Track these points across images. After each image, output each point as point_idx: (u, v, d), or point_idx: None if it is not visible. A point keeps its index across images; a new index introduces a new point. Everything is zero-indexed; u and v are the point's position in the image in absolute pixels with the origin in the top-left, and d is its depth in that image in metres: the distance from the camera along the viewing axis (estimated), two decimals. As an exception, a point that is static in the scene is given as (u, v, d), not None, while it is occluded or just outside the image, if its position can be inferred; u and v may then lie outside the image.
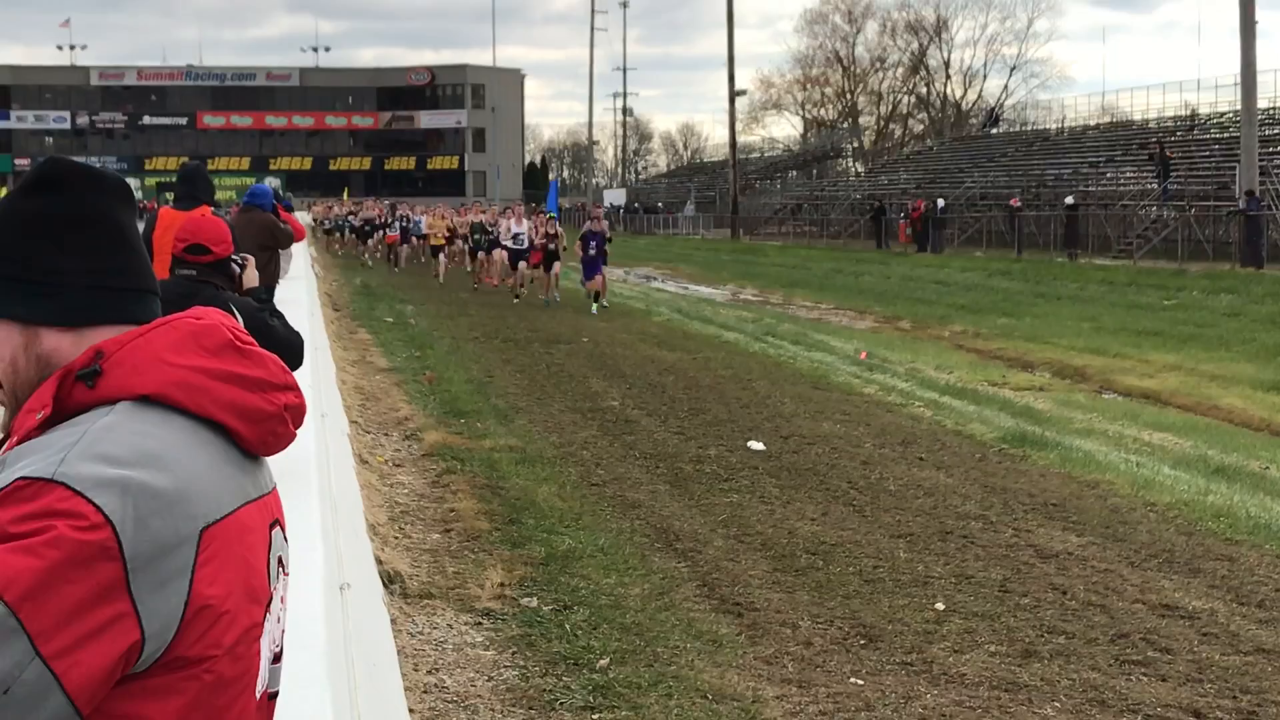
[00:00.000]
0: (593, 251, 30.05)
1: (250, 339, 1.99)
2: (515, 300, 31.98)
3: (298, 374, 6.88)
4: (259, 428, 1.94)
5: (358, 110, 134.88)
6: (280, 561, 1.97)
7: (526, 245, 32.94)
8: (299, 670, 3.62)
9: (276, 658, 1.99)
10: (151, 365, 1.87)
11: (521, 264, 33.06)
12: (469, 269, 39.93)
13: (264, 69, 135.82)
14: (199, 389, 1.88)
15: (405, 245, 46.71)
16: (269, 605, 1.90)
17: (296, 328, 6.74)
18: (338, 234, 58.29)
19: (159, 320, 1.95)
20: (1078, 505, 11.90)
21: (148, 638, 1.71)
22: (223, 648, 1.78)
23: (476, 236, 37.63)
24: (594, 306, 29.78)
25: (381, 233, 49.14)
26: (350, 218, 56.68)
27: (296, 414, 2.00)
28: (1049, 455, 14.33)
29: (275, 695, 2.02)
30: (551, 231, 31.97)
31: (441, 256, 40.10)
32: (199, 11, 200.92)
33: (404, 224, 47.04)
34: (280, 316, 6.47)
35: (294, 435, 2.01)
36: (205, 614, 1.76)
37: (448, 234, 41.46)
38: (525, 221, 33.70)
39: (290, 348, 6.35)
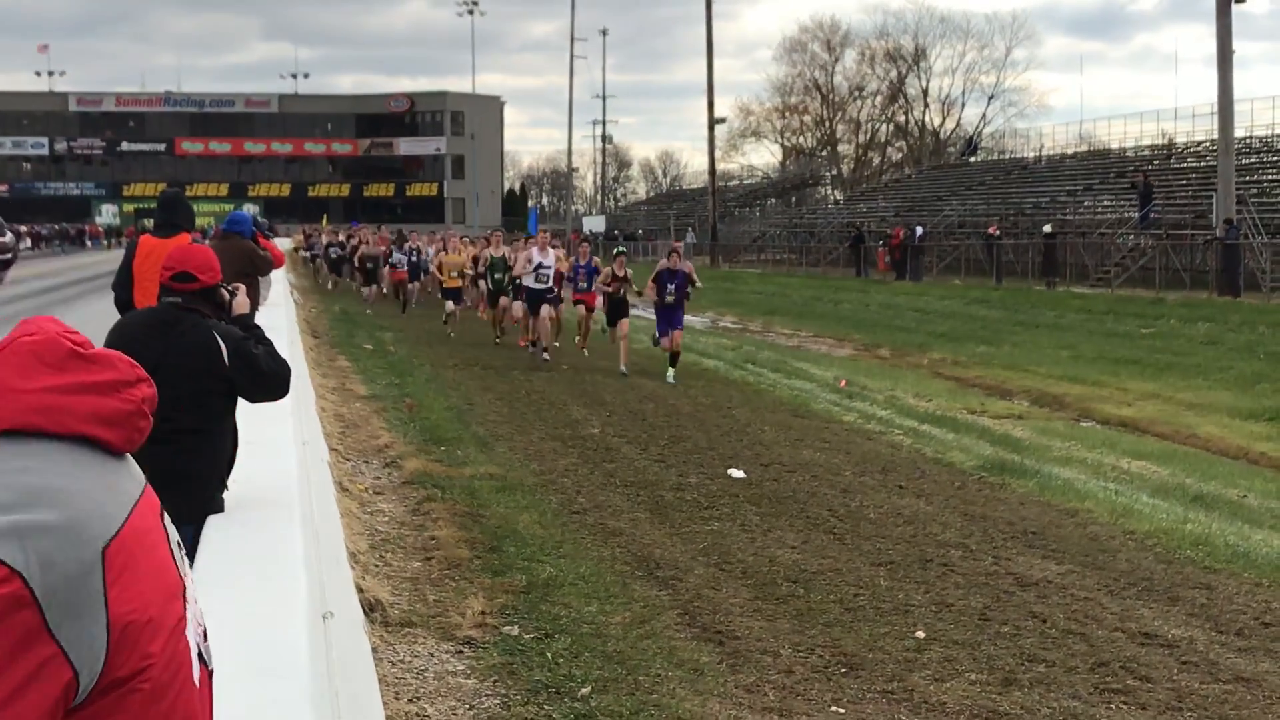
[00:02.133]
0: (670, 298, 22.65)
1: (86, 340, 1.94)
2: (545, 359, 24.43)
3: (279, 403, 6.89)
4: (123, 429, 1.90)
5: (337, 137, 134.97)
6: (179, 544, 1.95)
7: (551, 283, 25.25)
8: (284, 700, 3.62)
9: (205, 635, 1.96)
10: (3, 397, 1.83)
11: (545, 308, 24.85)
12: (488, 317, 31.26)
13: (242, 95, 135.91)
14: (58, 410, 1.84)
15: (415, 283, 39.05)
16: (185, 594, 1.88)
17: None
18: (327, 266, 49.23)
19: None
20: (1057, 533, 11.93)
21: (80, 671, 1.69)
22: (154, 656, 1.77)
23: (498, 275, 28.57)
24: (669, 372, 22.72)
25: (385, 269, 40.61)
26: (334, 248, 48.17)
27: (151, 403, 1.96)
28: (1028, 483, 14.36)
29: (213, 672, 2.00)
30: (621, 274, 24.20)
31: (450, 304, 31.54)
32: (176, 38, 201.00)
33: (413, 258, 38.79)
34: (268, 344, 6.45)
35: (150, 425, 1.96)
36: (130, 631, 1.74)
37: (466, 274, 32.51)
38: (551, 251, 25.79)
39: (275, 377, 6.34)
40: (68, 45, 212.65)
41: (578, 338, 27.32)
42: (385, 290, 40.76)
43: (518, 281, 26.27)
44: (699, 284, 23.54)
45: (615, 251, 25.69)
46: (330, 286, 47.07)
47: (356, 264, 42.27)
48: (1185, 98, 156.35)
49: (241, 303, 6.63)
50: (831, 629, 8.83)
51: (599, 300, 25.80)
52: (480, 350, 26.29)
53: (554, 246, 26.81)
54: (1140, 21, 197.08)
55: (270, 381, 6.33)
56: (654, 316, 23.84)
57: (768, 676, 7.83)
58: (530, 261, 24.99)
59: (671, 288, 22.55)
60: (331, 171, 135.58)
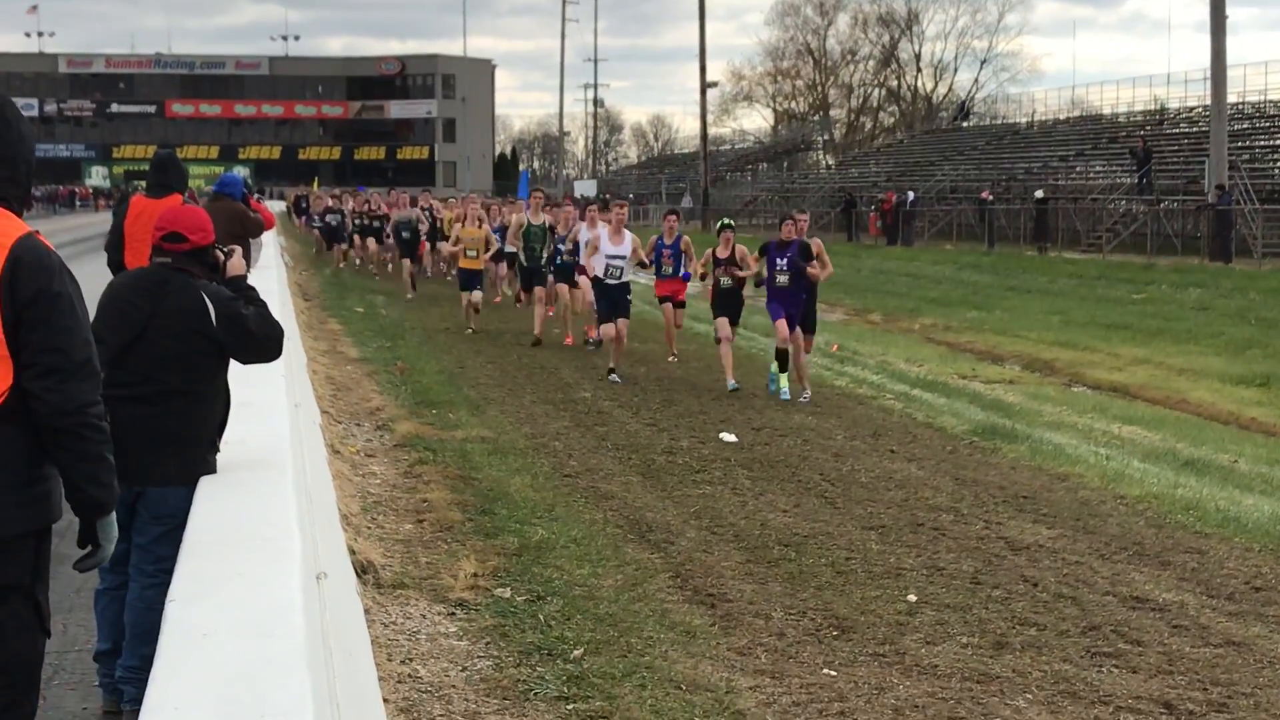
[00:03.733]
0: (783, 276, 16.88)
1: None
2: (613, 378, 17.83)
3: (272, 365, 6.87)
4: None
5: (327, 99, 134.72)
6: None
7: (623, 277, 18.74)
8: (279, 659, 3.62)
9: None
10: None
11: (619, 322, 18.39)
12: (524, 301, 24.38)
13: (233, 58, 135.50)
14: None
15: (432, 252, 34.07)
16: None
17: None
18: (323, 236, 41.82)
19: None
20: (1048, 498, 11.94)
21: None
22: None
23: (535, 247, 22.34)
24: (779, 381, 17.21)
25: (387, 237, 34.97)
26: (332, 215, 40.58)
27: None
28: (1019, 448, 14.38)
29: None
30: (726, 254, 17.76)
31: (471, 295, 23.57)
32: (165, 0, 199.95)
33: (432, 223, 32.62)
34: (261, 305, 6.42)
35: None
36: None
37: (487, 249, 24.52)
38: (627, 237, 18.85)
39: (265, 339, 6.30)
40: (57, 6, 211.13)
41: (671, 354, 20.50)
42: (384, 259, 36.04)
43: (561, 260, 21.60)
44: (824, 266, 17.36)
45: (719, 225, 18.60)
46: (340, 263, 39.02)
47: (388, 232, 34.66)
48: (1177, 63, 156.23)
49: (237, 264, 6.60)
50: (823, 592, 8.85)
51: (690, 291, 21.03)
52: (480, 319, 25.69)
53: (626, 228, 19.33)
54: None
55: (260, 343, 6.30)
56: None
57: (760, 639, 7.85)
58: (593, 247, 18.87)
59: (782, 263, 16.86)
60: (322, 134, 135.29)
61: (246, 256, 15.19)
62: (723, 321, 17.68)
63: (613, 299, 18.67)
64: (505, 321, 24.91)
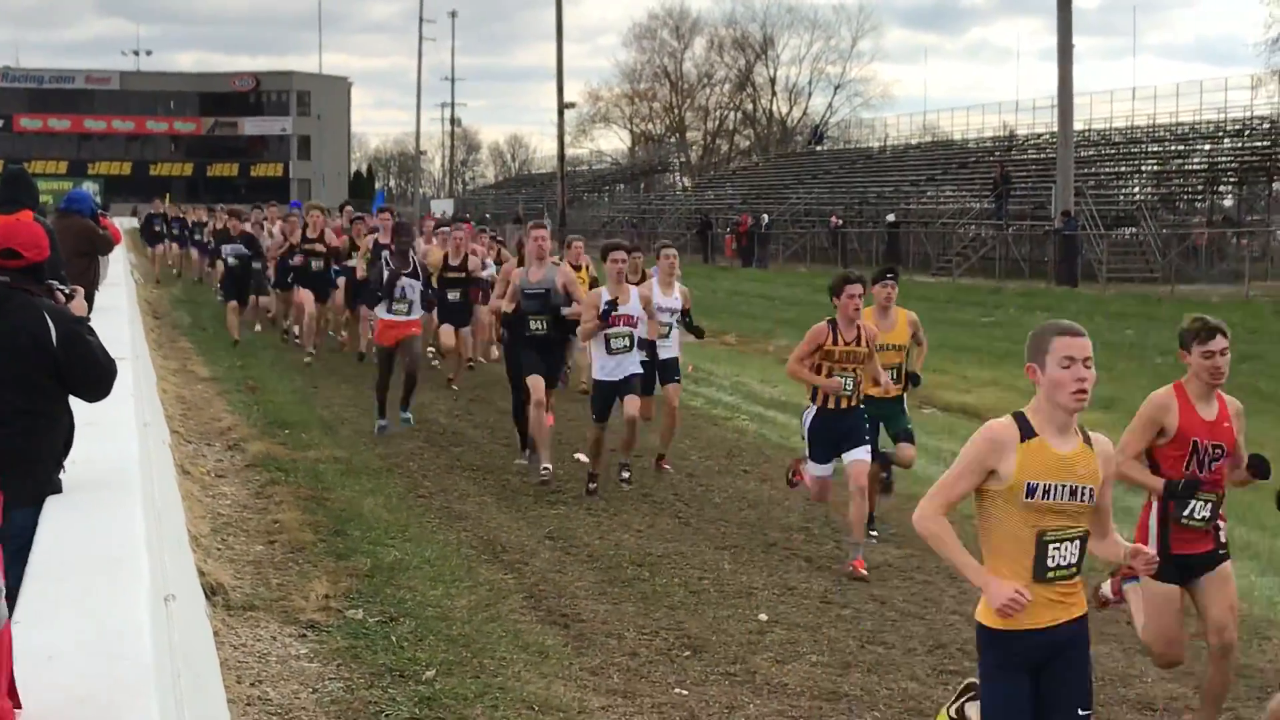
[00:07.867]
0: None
1: None
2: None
3: (121, 384, 6.78)
4: None
5: (180, 115, 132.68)
6: None
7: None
8: (127, 682, 3.59)
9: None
10: None
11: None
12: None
13: (83, 72, 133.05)
14: None
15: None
16: None
17: (116, 337, 6.59)
18: (210, 266, 31.17)
19: None
20: (897, 518, 12.09)
21: None
22: None
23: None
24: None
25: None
26: (231, 248, 23.47)
27: None
28: (871, 469, 14.53)
29: None
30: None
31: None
32: (11, 14, 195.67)
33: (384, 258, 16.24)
34: (99, 341, 6.32)
35: None
36: None
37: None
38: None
39: (102, 369, 6.21)
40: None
41: None
42: (295, 327, 23.62)
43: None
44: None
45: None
46: (252, 321, 25.73)
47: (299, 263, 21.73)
48: (1025, 90, 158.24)
49: (78, 305, 6.51)
50: (676, 612, 8.91)
51: None
52: (321, 334, 23.91)
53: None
54: (973, 15, 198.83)
55: (97, 371, 6.20)
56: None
57: (613, 659, 7.89)
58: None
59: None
60: (174, 150, 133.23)
61: (96, 273, 14.99)
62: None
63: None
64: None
